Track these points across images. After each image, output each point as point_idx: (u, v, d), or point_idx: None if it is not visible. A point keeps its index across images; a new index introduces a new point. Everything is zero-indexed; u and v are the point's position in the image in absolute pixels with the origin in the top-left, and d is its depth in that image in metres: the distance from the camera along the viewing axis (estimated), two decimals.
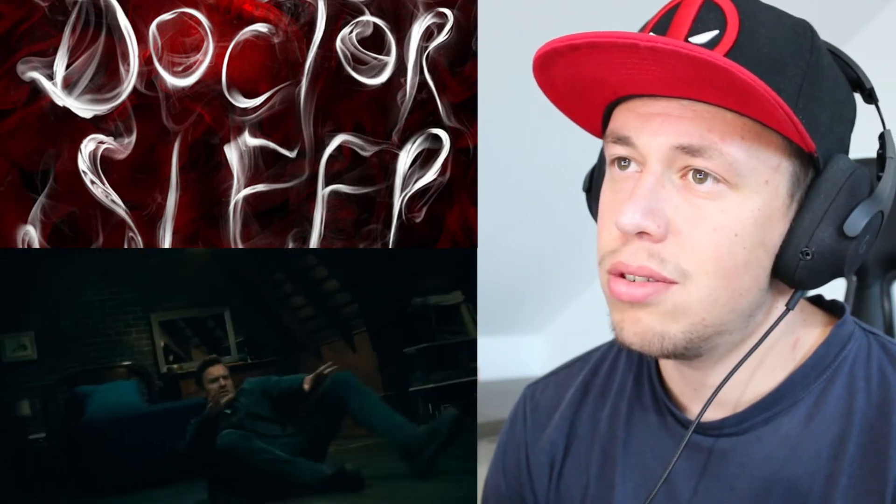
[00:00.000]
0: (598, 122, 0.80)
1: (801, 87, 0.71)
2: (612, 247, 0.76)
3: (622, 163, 0.77)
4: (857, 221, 0.71)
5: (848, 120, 0.76)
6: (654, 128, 0.73)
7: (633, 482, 0.85)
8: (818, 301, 0.84)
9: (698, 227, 0.72)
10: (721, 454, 0.79)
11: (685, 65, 0.67)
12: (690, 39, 0.72)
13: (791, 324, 0.78)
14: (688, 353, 0.74)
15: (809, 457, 0.75)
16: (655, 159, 0.73)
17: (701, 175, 0.72)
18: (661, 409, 0.85)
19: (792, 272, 0.73)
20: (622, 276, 0.75)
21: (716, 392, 0.76)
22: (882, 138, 0.77)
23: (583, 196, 0.89)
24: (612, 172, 0.78)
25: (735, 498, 0.78)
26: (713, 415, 0.80)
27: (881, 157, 0.76)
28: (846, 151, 0.76)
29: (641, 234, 0.73)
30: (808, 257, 0.72)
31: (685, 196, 0.73)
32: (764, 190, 0.72)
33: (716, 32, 0.72)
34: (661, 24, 0.75)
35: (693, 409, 0.82)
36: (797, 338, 0.79)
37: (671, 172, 0.73)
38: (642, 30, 0.77)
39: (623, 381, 0.91)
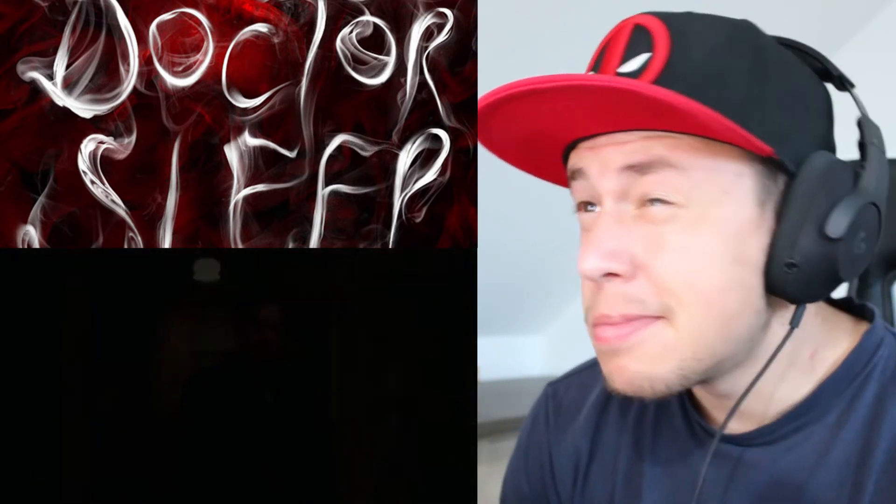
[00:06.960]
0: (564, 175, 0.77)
1: (749, 91, 0.67)
2: (589, 301, 0.71)
3: (588, 207, 0.73)
4: (839, 220, 0.66)
5: (820, 113, 0.72)
6: (604, 156, 0.70)
7: (660, 491, 0.83)
8: (846, 305, 0.81)
9: (660, 255, 0.68)
10: (749, 464, 0.76)
11: (607, 99, 0.64)
12: (620, 69, 0.69)
13: (808, 335, 0.75)
14: (689, 385, 0.71)
15: (838, 464, 0.73)
16: (608, 192, 0.70)
17: (654, 202, 0.68)
18: (687, 416, 0.83)
19: (783, 287, 0.69)
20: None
21: (733, 409, 0.74)
22: (860, 124, 0.72)
23: None
24: (581, 220, 0.74)
25: None
26: (740, 427, 0.78)
27: (862, 145, 0.71)
28: (828, 146, 0.72)
29: (610, 276, 0.69)
30: (795, 268, 0.67)
31: (643, 225, 0.69)
32: (725, 201, 0.68)
33: (646, 56, 0.68)
34: (599, 59, 0.72)
35: (718, 419, 0.80)
36: (815, 349, 0.76)
37: (627, 204, 0.70)
38: (587, 70, 0.73)
39: None
